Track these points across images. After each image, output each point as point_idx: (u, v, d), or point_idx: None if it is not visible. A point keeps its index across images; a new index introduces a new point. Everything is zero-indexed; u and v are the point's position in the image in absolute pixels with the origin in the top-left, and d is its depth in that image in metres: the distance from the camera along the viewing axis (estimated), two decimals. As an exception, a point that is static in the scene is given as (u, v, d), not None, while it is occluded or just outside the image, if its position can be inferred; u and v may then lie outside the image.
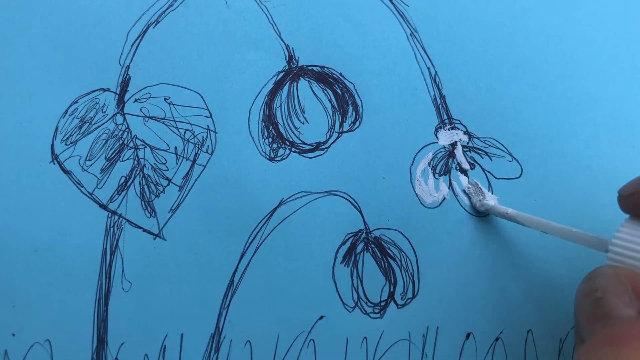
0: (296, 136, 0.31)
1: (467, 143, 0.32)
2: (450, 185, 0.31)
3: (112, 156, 0.29)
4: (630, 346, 0.19)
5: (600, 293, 0.22)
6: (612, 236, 0.23)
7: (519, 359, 0.31)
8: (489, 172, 0.32)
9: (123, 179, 0.29)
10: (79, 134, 0.29)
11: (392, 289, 0.30)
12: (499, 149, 0.32)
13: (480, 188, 0.30)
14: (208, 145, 0.29)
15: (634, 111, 0.33)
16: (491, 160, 0.32)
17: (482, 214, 0.31)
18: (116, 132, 0.29)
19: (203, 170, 0.29)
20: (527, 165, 0.32)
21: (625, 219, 0.23)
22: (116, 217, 0.28)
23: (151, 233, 0.29)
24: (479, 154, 0.32)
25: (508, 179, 0.32)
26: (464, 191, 0.31)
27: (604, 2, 0.33)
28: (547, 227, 0.27)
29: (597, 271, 0.23)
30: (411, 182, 0.31)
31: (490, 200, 0.30)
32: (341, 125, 0.31)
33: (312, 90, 0.31)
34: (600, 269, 0.23)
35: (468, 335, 0.31)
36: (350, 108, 0.31)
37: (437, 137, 0.31)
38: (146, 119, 0.29)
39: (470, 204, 0.31)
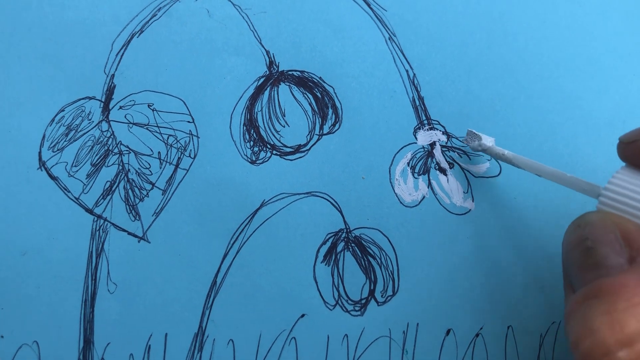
0: (277, 139, 0.29)
1: (446, 143, 0.29)
2: (430, 185, 0.29)
3: (97, 162, 0.27)
4: (621, 297, 0.18)
5: (590, 242, 0.20)
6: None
7: (500, 355, 0.28)
8: (467, 170, 0.29)
9: (108, 183, 0.27)
10: (65, 141, 0.27)
11: (372, 287, 0.28)
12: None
13: (475, 133, 0.28)
14: (191, 150, 0.28)
15: (612, 110, 0.30)
16: (470, 159, 0.29)
17: (462, 211, 0.28)
18: (101, 139, 0.27)
19: (186, 174, 0.28)
20: (506, 164, 0.29)
21: (622, 167, 0.22)
22: (102, 221, 0.27)
23: (136, 236, 0.27)
24: (457, 153, 0.29)
25: (487, 177, 0.29)
26: (463, 141, 0.29)
27: (581, 3, 0.30)
28: (541, 170, 0.25)
29: (585, 218, 0.21)
30: (390, 182, 0.29)
31: (488, 142, 0.28)
32: (321, 127, 0.29)
33: (293, 94, 0.29)
34: (588, 215, 0.21)
35: (448, 332, 0.28)
36: (330, 111, 0.29)
37: (416, 138, 0.29)
38: (130, 125, 0.28)
39: (470, 148, 0.29)
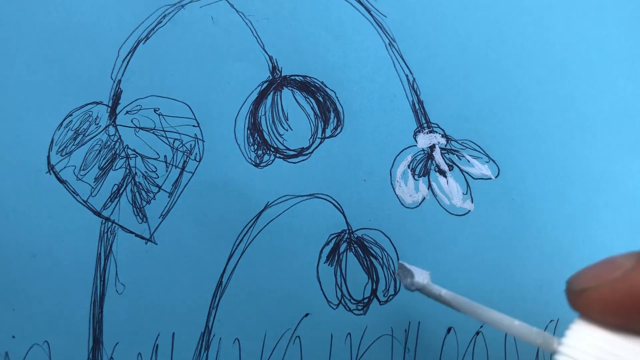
0: (280, 142, 0.29)
1: (445, 145, 0.29)
2: (430, 186, 0.29)
3: (105, 166, 0.27)
4: None
5: None
6: (564, 329, 0.16)
7: (500, 353, 0.29)
8: (466, 172, 0.29)
9: (116, 187, 0.27)
10: (73, 145, 0.27)
11: (374, 287, 0.28)
12: (476, 150, 0.29)
13: (406, 268, 0.23)
14: (196, 153, 0.28)
15: (608, 112, 0.30)
16: (469, 162, 0.29)
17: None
18: (109, 143, 0.27)
19: (191, 177, 0.28)
20: (504, 166, 0.29)
21: (574, 323, 0.16)
22: (109, 223, 0.27)
23: (143, 237, 0.27)
24: (457, 155, 0.29)
25: (486, 179, 0.29)
26: (395, 277, 0.26)
27: (577, 7, 0.31)
28: (484, 316, 0.19)
29: None
30: (391, 184, 0.29)
31: (421, 278, 0.22)
32: (323, 131, 0.29)
33: (295, 99, 0.29)
34: None
35: (449, 330, 0.28)
36: (332, 115, 0.29)
37: (416, 141, 0.29)
38: (137, 129, 0.28)
39: (403, 286, 0.24)
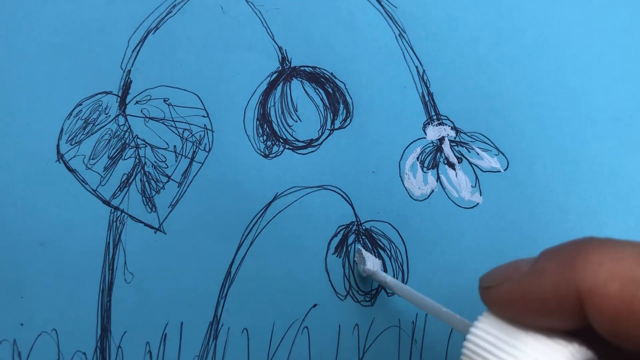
0: (289, 134, 0.28)
1: (455, 138, 0.29)
2: (438, 179, 0.29)
3: (114, 155, 0.27)
4: None
5: None
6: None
7: (506, 345, 0.28)
8: (475, 165, 0.29)
9: (125, 176, 0.27)
10: (83, 134, 0.27)
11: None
12: (485, 143, 0.29)
13: (362, 256, 0.27)
14: (205, 144, 0.27)
15: (618, 105, 0.29)
16: (478, 154, 0.29)
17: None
18: (118, 133, 0.27)
19: (201, 167, 0.27)
20: (514, 159, 0.29)
21: (483, 314, 0.18)
22: (119, 213, 0.26)
23: (152, 227, 0.27)
24: (466, 148, 0.29)
25: (495, 171, 0.29)
26: (354, 261, 0.27)
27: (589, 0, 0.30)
28: (417, 301, 0.23)
29: None
30: (400, 176, 0.28)
31: (372, 266, 0.26)
32: (332, 122, 0.28)
33: (305, 90, 0.28)
34: None
35: (456, 322, 0.28)
36: (341, 106, 0.29)
37: (425, 133, 0.29)
38: (147, 119, 0.27)
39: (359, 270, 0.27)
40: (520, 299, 0.16)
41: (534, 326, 0.17)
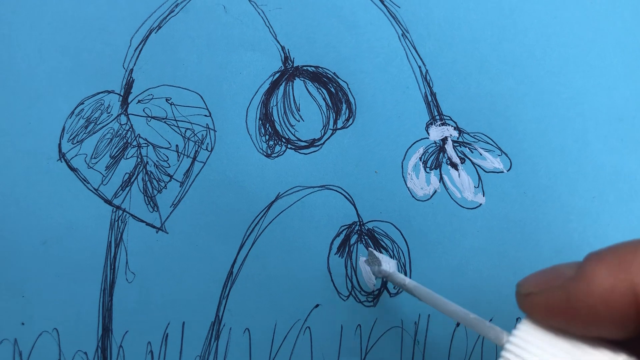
0: (292, 133, 0.28)
1: (457, 138, 0.28)
2: (441, 179, 0.28)
3: (116, 154, 0.26)
4: None
5: None
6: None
7: (509, 346, 0.27)
8: (478, 166, 0.28)
9: (127, 175, 0.26)
10: (85, 133, 0.26)
11: (385, 279, 0.27)
12: (488, 143, 0.28)
13: (375, 257, 0.25)
14: (207, 143, 0.27)
15: (622, 105, 0.29)
16: (481, 155, 0.28)
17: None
18: (120, 132, 0.26)
19: (203, 166, 0.27)
20: (516, 159, 0.28)
21: (522, 322, 0.17)
22: (120, 212, 0.26)
23: (154, 226, 0.26)
24: (469, 148, 0.28)
25: (497, 172, 0.28)
26: (364, 262, 0.26)
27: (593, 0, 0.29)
28: (442, 306, 0.21)
29: None
30: (403, 176, 0.28)
31: (388, 267, 0.24)
32: (335, 122, 0.28)
33: (307, 90, 0.28)
34: None
35: (459, 323, 0.27)
36: (344, 106, 0.28)
37: (428, 133, 0.28)
38: (149, 118, 0.27)
39: (372, 272, 0.26)
40: (566, 307, 0.15)
41: (581, 335, 0.15)
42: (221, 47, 0.27)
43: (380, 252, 0.27)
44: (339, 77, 0.28)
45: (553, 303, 0.15)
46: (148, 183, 0.26)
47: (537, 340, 0.16)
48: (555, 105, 0.28)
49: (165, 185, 0.26)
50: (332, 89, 0.28)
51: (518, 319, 0.27)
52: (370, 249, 0.26)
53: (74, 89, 0.26)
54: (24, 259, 0.25)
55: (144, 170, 0.26)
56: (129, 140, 0.26)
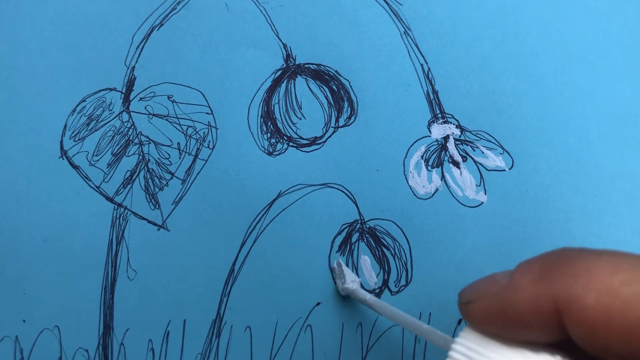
0: (294, 131, 0.27)
1: (459, 136, 0.28)
2: (443, 177, 0.28)
3: (118, 152, 0.26)
4: None
5: None
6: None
7: (510, 344, 0.27)
8: (480, 164, 0.28)
9: (128, 173, 0.26)
10: (86, 130, 0.26)
11: (386, 277, 0.27)
12: (490, 141, 0.28)
13: (342, 271, 0.25)
14: (209, 141, 0.27)
15: (624, 104, 0.28)
16: (483, 153, 0.28)
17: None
18: (122, 129, 0.26)
19: (204, 164, 0.27)
20: (518, 158, 0.28)
21: (464, 329, 0.18)
22: (122, 209, 0.26)
23: (155, 224, 0.26)
24: (471, 147, 0.28)
25: (499, 170, 0.28)
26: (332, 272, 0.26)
27: (594, -2, 0.29)
28: (399, 319, 0.22)
29: None
30: (404, 175, 0.27)
31: (351, 284, 0.25)
32: (337, 120, 0.28)
33: (309, 87, 0.28)
34: None
35: (460, 321, 0.27)
36: (346, 104, 0.28)
37: (430, 131, 0.28)
38: (150, 116, 0.26)
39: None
40: (498, 314, 0.16)
41: (515, 340, 0.16)
42: (223, 44, 0.27)
43: (379, 250, 0.27)
44: (340, 75, 0.28)
45: (488, 311, 0.16)
46: (150, 181, 0.26)
47: (477, 347, 0.17)
48: (558, 103, 0.28)
49: (167, 183, 0.26)
50: (334, 87, 0.28)
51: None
52: (338, 260, 0.26)
53: (75, 87, 0.26)
54: (25, 256, 0.25)
55: (145, 167, 0.26)
56: (131, 138, 0.26)
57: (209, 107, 0.27)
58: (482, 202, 0.28)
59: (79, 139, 0.26)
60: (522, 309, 0.15)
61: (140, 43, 0.27)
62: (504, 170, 0.28)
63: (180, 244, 0.26)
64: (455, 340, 0.17)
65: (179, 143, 0.27)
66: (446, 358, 0.17)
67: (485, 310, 0.16)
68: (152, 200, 0.26)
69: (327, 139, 0.27)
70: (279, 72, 0.27)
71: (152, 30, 0.27)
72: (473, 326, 0.17)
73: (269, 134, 0.27)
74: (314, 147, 0.27)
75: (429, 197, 0.28)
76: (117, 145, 0.26)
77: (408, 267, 0.27)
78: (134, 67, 0.27)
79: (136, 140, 0.26)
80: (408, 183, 0.27)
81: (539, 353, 0.16)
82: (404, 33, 0.28)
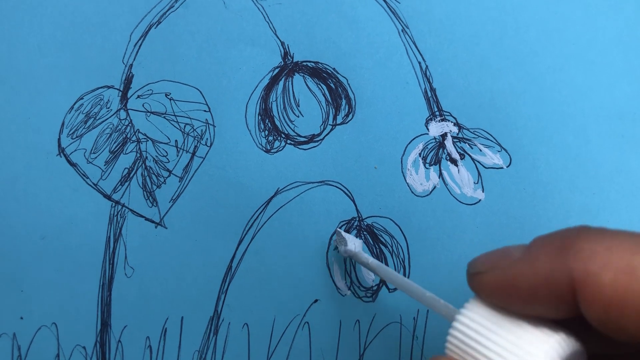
0: (291, 129, 0.27)
1: (457, 134, 0.28)
2: (441, 175, 0.28)
3: (115, 149, 0.26)
4: None
5: None
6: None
7: (508, 342, 0.27)
8: (478, 161, 0.28)
9: (126, 170, 0.26)
10: (84, 128, 0.26)
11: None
12: (488, 139, 0.28)
13: (342, 237, 0.25)
14: (207, 138, 0.26)
15: (622, 102, 0.28)
16: (480, 151, 0.28)
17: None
18: (119, 127, 0.26)
19: (202, 162, 0.26)
20: (516, 155, 0.28)
21: (469, 301, 0.18)
22: (119, 207, 0.26)
23: (153, 221, 0.26)
24: (468, 144, 0.28)
25: (497, 168, 0.28)
26: (333, 242, 0.26)
27: (592, -4, 0.29)
28: (401, 284, 0.22)
29: None
30: (402, 172, 0.27)
31: (353, 247, 0.25)
32: (335, 118, 0.27)
33: (307, 85, 0.27)
34: None
35: (458, 318, 0.27)
36: (344, 101, 0.27)
37: (427, 129, 0.28)
38: (148, 114, 0.26)
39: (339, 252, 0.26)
40: (510, 286, 0.16)
41: (523, 314, 0.16)
42: (221, 42, 0.27)
43: (376, 247, 0.27)
44: (338, 73, 0.27)
45: (498, 282, 0.16)
46: (147, 178, 0.26)
47: (481, 318, 0.16)
48: (556, 101, 0.28)
49: (165, 181, 0.26)
50: (332, 85, 0.27)
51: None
52: (338, 229, 0.26)
53: (73, 84, 0.26)
54: (23, 254, 0.25)
55: (143, 165, 0.26)
56: (128, 136, 0.26)
57: (207, 104, 0.27)
58: (480, 200, 0.27)
59: (77, 137, 0.26)
60: (536, 282, 0.15)
61: (138, 41, 0.27)
62: (502, 168, 0.28)
63: (177, 242, 0.26)
64: (460, 311, 0.17)
65: (176, 140, 0.26)
66: (450, 328, 0.17)
67: (496, 281, 0.16)
68: (150, 198, 0.26)
69: (324, 136, 0.27)
70: (276, 70, 0.27)
71: (150, 28, 0.27)
72: (480, 297, 0.17)
73: (266, 132, 0.27)
74: (311, 144, 0.27)
75: (427, 195, 0.27)
76: (114, 142, 0.26)
77: (406, 264, 0.27)
78: (131, 64, 0.26)
79: (134, 138, 0.26)
80: (406, 180, 0.27)
81: (542, 329, 0.16)
82: (402, 31, 0.28)
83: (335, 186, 0.27)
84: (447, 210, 0.27)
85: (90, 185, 0.26)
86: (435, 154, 0.28)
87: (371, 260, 0.24)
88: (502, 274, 0.16)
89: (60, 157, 0.26)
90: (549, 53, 0.28)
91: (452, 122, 0.28)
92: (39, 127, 0.26)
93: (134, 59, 0.26)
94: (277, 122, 0.27)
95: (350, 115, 0.27)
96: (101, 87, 0.26)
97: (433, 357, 0.18)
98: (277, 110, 0.27)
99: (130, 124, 0.26)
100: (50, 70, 0.26)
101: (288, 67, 0.27)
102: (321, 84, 0.27)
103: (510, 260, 0.16)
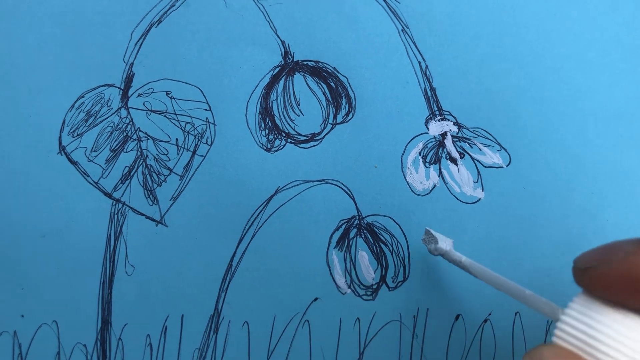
0: (292, 127, 0.27)
1: (457, 133, 0.28)
2: (440, 174, 0.28)
3: (116, 147, 0.26)
4: None
5: None
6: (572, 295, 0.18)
7: (507, 340, 0.27)
8: (477, 160, 0.28)
9: (127, 169, 0.26)
10: (85, 126, 0.26)
11: (383, 273, 0.27)
12: (487, 138, 0.28)
13: (432, 235, 0.24)
14: (207, 137, 0.26)
15: (622, 102, 0.28)
16: (480, 150, 0.28)
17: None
18: (120, 125, 0.26)
19: (203, 160, 0.26)
20: (516, 155, 0.28)
21: (578, 295, 0.18)
22: (120, 205, 0.25)
23: (153, 220, 0.26)
24: (468, 143, 0.28)
25: (497, 167, 0.28)
26: (422, 241, 0.25)
27: (591, -4, 0.29)
28: (498, 283, 0.21)
29: (539, 355, 0.17)
30: (402, 171, 0.27)
31: (444, 245, 0.24)
32: (335, 117, 0.27)
33: (307, 84, 0.27)
34: (542, 351, 0.17)
35: (457, 317, 0.27)
36: (344, 100, 0.27)
37: (427, 128, 0.28)
38: (149, 112, 0.26)
39: (428, 250, 0.25)
40: (625, 280, 0.15)
41: (633, 308, 0.16)
42: (221, 41, 0.27)
43: (376, 245, 0.27)
44: (338, 72, 0.27)
45: (612, 276, 0.16)
46: (148, 176, 0.26)
47: (592, 312, 0.16)
48: (555, 101, 0.28)
49: (165, 179, 0.26)
50: (332, 84, 0.27)
51: (517, 314, 0.27)
52: (427, 228, 0.25)
53: (74, 83, 0.26)
54: (23, 252, 0.25)
55: (143, 163, 0.26)
56: (129, 134, 0.26)
57: (207, 103, 0.27)
58: (480, 199, 0.27)
59: (78, 135, 0.25)
60: None
61: (139, 39, 0.27)
62: (502, 167, 0.28)
63: (178, 240, 0.26)
64: (569, 306, 0.17)
65: (177, 139, 0.26)
66: (558, 322, 0.17)
67: (609, 276, 0.16)
68: (150, 196, 0.26)
69: (325, 135, 0.27)
70: (277, 69, 0.27)
71: (151, 26, 0.27)
72: (591, 292, 0.17)
73: (267, 130, 0.27)
74: (312, 143, 0.27)
75: (427, 194, 0.27)
76: (115, 141, 0.26)
77: (406, 263, 0.27)
78: (132, 63, 0.26)
79: (134, 136, 0.26)
80: (406, 179, 0.27)
81: None
82: (402, 30, 0.28)
83: (336, 185, 0.27)
84: (447, 209, 0.27)
85: (90, 183, 0.26)
86: (435, 153, 0.28)
87: (464, 258, 0.23)
88: (614, 269, 0.16)
89: (61, 155, 0.25)
90: (548, 53, 0.28)
91: (452, 121, 0.28)
92: (40, 125, 0.25)
93: (135, 58, 0.26)
94: (278, 121, 0.27)
95: (351, 114, 0.27)
96: (102, 86, 0.26)
97: (539, 346, 0.17)
98: (278, 109, 0.27)
99: (131, 123, 0.26)
100: (51, 68, 0.26)
101: (288, 66, 0.27)
102: (321, 83, 0.27)
103: (623, 254, 0.16)
